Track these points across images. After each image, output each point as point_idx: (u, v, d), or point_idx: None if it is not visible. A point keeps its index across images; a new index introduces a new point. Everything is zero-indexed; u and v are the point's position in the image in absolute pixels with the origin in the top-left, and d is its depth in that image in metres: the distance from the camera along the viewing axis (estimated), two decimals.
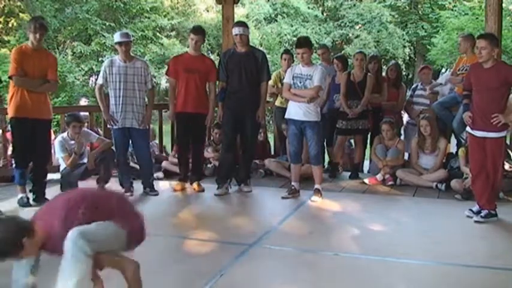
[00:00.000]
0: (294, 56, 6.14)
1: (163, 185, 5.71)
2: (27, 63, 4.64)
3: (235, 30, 5.29)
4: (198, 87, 5.44)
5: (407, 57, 21.77)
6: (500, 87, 4.26)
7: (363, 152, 6.49)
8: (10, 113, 4.74)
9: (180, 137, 5.73)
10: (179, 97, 5.50)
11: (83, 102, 9.10)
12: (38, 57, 4.71)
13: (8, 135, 6.14)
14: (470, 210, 4.54)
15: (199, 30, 5.51)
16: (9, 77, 4.70)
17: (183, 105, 5.48)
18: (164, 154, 6.83)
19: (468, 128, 4.55)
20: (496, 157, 4.39)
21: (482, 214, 4.43)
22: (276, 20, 20.39)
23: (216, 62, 5.78)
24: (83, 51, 16.33)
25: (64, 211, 2.39)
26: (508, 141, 6.51)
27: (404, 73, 20.97)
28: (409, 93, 6.79)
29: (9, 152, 6.04)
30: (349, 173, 6.35)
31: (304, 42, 5.09)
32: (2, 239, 2.25)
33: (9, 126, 5.41)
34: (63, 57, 15.99)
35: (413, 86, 7.07)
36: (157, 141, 6.90)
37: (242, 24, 5.43)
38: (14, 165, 5.07)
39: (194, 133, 5.60)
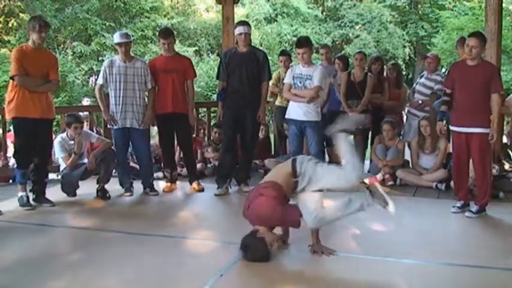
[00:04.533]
0: (294, 56, 6.14)
1: (163, 185, 5.71)
2: (28, 63, 4.61)
3: (240, 29, 5.28)
4: (176, 86, 5.41)
5: (407, 57, 21.77)
6: (485, 85, 4.38)
7: (364, 152, 6.49)
8: (12, 113, 4.70)
9: (163, 140, 5.70)
10: (158, 99, 5.47)
11: (85, 102, 9.09)
12: (39, 57, 4.70)
13: (8, 135, 6.13)
14: (456, 206, 4.66)
15: (167, 34, 5.49)
16: (11, 77, 4.68)
17: (162, 107, 5.45)
18: None
19: (452, 127, 4.64)
20: (484, 152, 4.48)
21: (473, 210, 4.52)
22: (276, 20, 20.37)
23: (214, 62, 5.78)
24: (83, 51, 16.34)
25: None
26: (508, 142, 6.52)
27: (404, 73, 20.98)
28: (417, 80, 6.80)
29: (9, 153, 6.04)
30: None
31: (304, 42, 5.09)
32: None
33: (10, 126, 5.40)
34: (63, 57, 15.98)
35: (421, 73, 7.06)
36: (156, 139, 6.88)
37: (246, 23, 5.42)
38: (15, 166, 5.06)
39: (178, 134, 5.60)
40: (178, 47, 17.17)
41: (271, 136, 7.49)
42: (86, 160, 5.33)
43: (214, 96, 10.84)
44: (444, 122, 4.73)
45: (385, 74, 6.73)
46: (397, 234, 4.09)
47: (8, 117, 4.84)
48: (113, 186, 5.39)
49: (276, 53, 16.15)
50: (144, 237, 4.01)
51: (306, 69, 5.08)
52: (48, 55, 4.93)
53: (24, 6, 15.80)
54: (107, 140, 5.49)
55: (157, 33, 5.62)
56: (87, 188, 5.27)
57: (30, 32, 4.67)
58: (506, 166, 5.88)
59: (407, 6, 22.42)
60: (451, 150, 6.17)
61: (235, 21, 6.25)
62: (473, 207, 4.54)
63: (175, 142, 5.83)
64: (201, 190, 5.57)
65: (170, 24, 17.41)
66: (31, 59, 4.64)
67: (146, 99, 5.52)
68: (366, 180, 5.88)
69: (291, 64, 6.52)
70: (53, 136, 5.59)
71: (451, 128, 4.68)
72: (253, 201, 3.50)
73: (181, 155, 6.14)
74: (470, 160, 4.60)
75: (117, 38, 5.30)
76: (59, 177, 5.38)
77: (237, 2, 7.22)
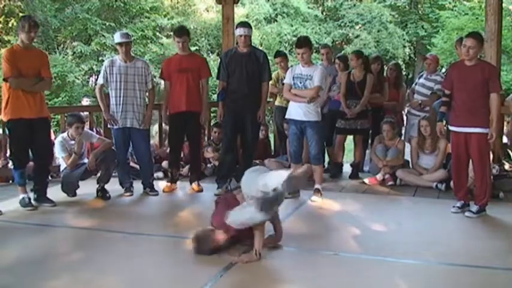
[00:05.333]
0: (294, 56, 6.14)
1: (163, 185, 5.71)
2: (20, 63, 4.60)
3: (240, 31, 5.28)
4: (190, 85, 5.41)
5: (407, 57, 21.78)
6: (483, 84, 4.40)
7: (364, 152, 6.49)
8: (8, 115, 4.68)
9: (172, 139, 5.70)
10: (172, 98, 5.48)
11: (85, 102, 9.11)
12: (30, 56, 4.68)
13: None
14: (456, 206, 4.67)
15: (182, 32, 5.47)
16: (4, 79, 4.64)
17: (176, 106, 5.46)
18: (165, 148, 6.79)
19: (451, 127, 4.65)
20: (483, 153, 4.50)
21: (473, 210, 4.53)
22: (276, 20, 20.36)
23: (214, 62, 5.79)
24: (83, 51, 16.32)
25: None
26: (508, 142, 6.52)
27: (404, 73, 20.99)
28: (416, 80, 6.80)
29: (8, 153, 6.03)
30: (349, 173, 6.36)
31: (304, 42, 5.09)
32: None
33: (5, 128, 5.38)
34: (63, 57, 15.97)
35: (420, 73, 7.07)
36: (156, 139, 6.89)
37: (246, 24, 5.42)
38: (12, 167, 5.06)
39: (189, 132, 5.60)
40: None
41: (271, 136, 7.49)
42: (86, 160, 5.33)
43: (215, 96, 10.84)
44: (444, 122, 4.74)
45: (385, 73, 6.73)
46: (397, 234, 4.09)
47: (4, 119, 4.81)
48: (113, 186, 5.39)
49: None
50: (144, 237, 4.01)
51: (306, 69, 5.08)
52: (39, 53, 4.92)
53: (24, 6, 15.77)
54: (108, 140, 5.49)
55: (172, 32, 5.61)
56: (87, 188, 5.27)
57: (20, 31, 4.64)
58: (506, 166, 5.88)
59: (407, 6, 22.43)
60: (450, 151, 6.21)
61: (235, 21, 6.26)
62: (473, 207, 4.54)
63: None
64: (200, 191, 5.57)
65: (170, 24, 17.42)
66: (22, 58, 4.61)
67: (147, 99, 5.53)
68: (366, 180, 5.95)
69: (290, 65, 6.52)
70: (52, 136, 5.60)
71: (450, 128, 4.69)
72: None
73: (182, 155, 6.14)
74: (470, 160, 4.61)
75: (117, 37, 5.30)
76: (60, 177, 5.39)
77: (237, 2, 7.21)
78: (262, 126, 6.41)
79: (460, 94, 4.50)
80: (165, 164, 6.36)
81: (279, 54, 6.88)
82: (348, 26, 20.90)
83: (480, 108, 4.43)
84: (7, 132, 5.03)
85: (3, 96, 4.69)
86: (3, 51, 5.05)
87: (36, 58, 4.75)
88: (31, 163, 5.00)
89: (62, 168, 5.34)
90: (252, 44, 5.56)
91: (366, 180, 5.97)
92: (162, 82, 5.87)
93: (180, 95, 5.41)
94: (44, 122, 4.87)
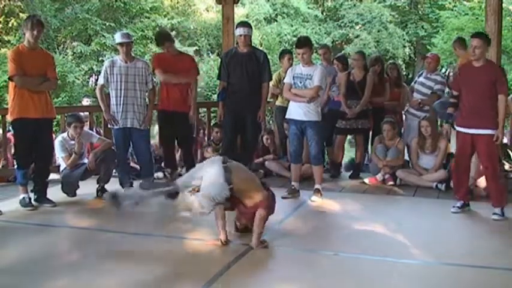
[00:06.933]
0: (294, 55, 6.14)
1: None
2: (25, 63, 4.60)
3: (240, 31, 5.29)
4: (180, 87, 5.44)
5: (408, 57, 21.78)
6: (490, 86, 4.38)
7: (365, 152, 6.48)
8: (13, 114, 4.68)
9: (163, 137, 5.71)
10: (162, 95, 5.54)
11: (85, 102, 9.12)
12: (36, 56, 4.68)
13: (9, 135, 6.13)
14: (456, 206, 4.65)
15: (166, 37, 5.52)
16: (10, 78, 4.67)
17: (164, 103, 5.50)
18: None
19: (458, 127, 4.63)
20: (492, 153, 4.48)
21: (497, 212, 4.45)
22: (276, 20, 20.39)
23: (214, 62, 5.80)
24: (83, 51, 16.33)
25: None
26: (508, 142, 6.51)
27: (404, 73, 20.99)
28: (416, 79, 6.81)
29: (11, 152, 6.03)
30: (349, 173, 6.36)
31: (304, 42, 5.09)
32: None
33: (10, 127, 5.39)
34: (63, 57, 15.97)
35: (420, 72, 7.07)
36: (156, 139, 6.88)
37: (246, 24, 5.43)
38: (16, 167, 5.06)
39: (179, 133, 5.60)
40: (178, 47, 17.17)
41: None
42: (86, 160, 5.33)
43: (215, 96, 10.86)
44: (452, 122, 4.71)
45: (385, 74, 6.72)
46: (397, 234, 4.09)
47: (10, 118, 4.82)
48: (113, 186, 5.38)
49: (276, 53, 16.21)
50: (144, 237, 4.01)
51: (306, 69, 5.08)
52: (45, 54, 4.92)
53: (24, 6, 15.79)
54: (108, 140, 5.49)
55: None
56: (87, 188, 5.27)
57: (25, 30, 4.66)
58: (506, 166, 5.88)
59: (407, 6, 22.43)
60: (451, 150, 6.20)
61: (235, 21, 6.25)
62: (497, 209, 4.45)
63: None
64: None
65: (170, 24, 17.42)
66: (28, 58, 4.62)
67: (147, 100, 5.53)
68: (366, 180, 5.94)
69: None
70: (53, 136, 5.59)
71: (457, 128, 4.66)
72: None
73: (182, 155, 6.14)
74: (473, 160, 4.59)
75: (118, 38, 5.30)
76: (59, 177, 5.39)
77: (237, 2, 7.21)
78: (267, 135, 6.36)
79: (468, 95, 4.48)
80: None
81: (288, 51, 6.83)
82: (348, 26, 20.91)
83: (488, 110, 4.39)
84: (12, 131, 5.03)
85: (10, 96, 4.70)
86: (9, 50, 5.06)
87: (41, 58, 4.76)
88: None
89: (61, 168, 5.34)
90: (252, 44, 5.55)
91: (366, 180, 5.97)
92: None
93: (168, 94, 5.44)
94: (48, 122, 4.88)
